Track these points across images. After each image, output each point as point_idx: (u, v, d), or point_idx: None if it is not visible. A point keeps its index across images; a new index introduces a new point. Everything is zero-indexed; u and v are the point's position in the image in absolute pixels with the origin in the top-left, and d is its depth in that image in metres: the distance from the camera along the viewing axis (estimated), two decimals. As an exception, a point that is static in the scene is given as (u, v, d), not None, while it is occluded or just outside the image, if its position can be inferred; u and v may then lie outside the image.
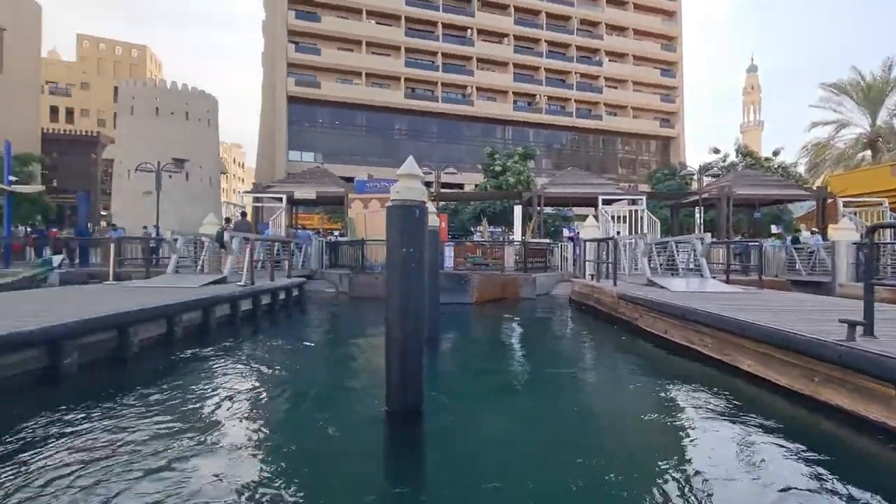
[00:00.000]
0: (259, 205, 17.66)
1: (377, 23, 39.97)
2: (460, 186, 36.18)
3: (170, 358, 6.17)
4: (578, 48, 45.67)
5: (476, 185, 31.98)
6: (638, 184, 35.94)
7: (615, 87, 47.16)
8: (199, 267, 11.33)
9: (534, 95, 44.82)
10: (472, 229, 24.91)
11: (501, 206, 25.55)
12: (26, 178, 23.16)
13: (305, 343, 8.15)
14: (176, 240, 10.81)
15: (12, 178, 16.92)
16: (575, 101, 45.37)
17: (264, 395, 4.95)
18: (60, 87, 48.49)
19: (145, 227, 18.26)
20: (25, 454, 3.28)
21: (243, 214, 14.25)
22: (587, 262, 11.91)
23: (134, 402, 4.40)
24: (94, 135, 37.97)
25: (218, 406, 4.37)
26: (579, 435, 3.89)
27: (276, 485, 2.89)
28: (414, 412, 3.81)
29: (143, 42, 59.57)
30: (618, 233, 14.97)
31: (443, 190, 23.33)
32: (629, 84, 47.13)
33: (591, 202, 19.54)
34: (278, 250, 12.62)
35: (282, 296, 10.73)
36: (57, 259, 13.22)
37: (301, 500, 2.74)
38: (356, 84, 39.14)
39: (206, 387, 5.06)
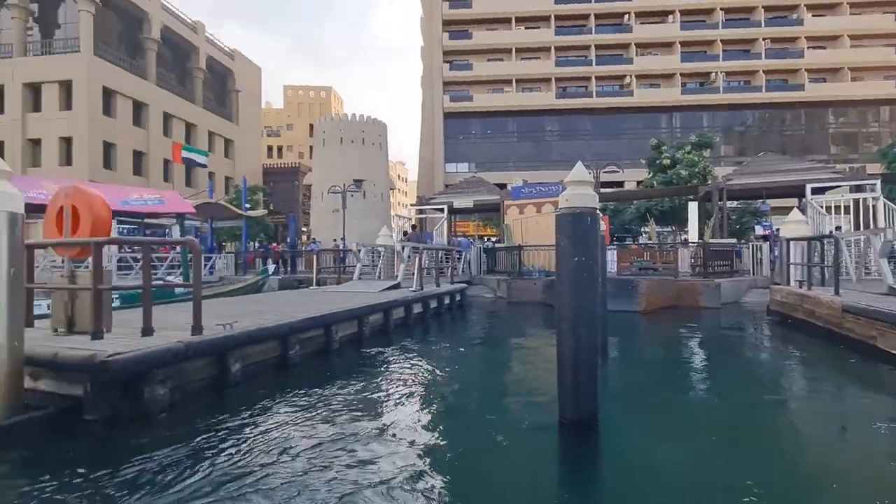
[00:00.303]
0: (423, 216, 19.24)
1: (526, 28, 40.10)
2: (620, 185, 33.74)
3: (360, 353, 7.18)
4: (767, 9, 38.41)
5: (639, 183, 29.38)
6: (863, 164, 28.35)
7: (822, 47, 38.25)
8: (377, 274, 12.91)
9: (707, 74, 39.27)
10: (642, 230, 22.88)
11: (670, 203, 22.95)
12: (254, 205, 29.58)
13: (470, 344, 8.59)
14: (360, 250, 12.51)
15: (247, 205, 21.85)
16: (764, 71, 38.20)
17: (437, 393, 5.37)
18: (273, 129, 60.90)
19: (335, 240, 21.61)
20: (263, 424, 4.21)
21: (413, 227, 15.68)
22: (792, 266, 9.87)
23: (337, 390, 5.25)
24: (296, 165, 46.46)
25: (398, 401, 4.93)
26: (785, 479, 3.23)
27: (447, 485, 3.10)
28: (588, 423, 3.69)
29: (328, 84, 70.42)
30: (837, 228, 12.09)
31: (602, 189, 22.04)
32: (844, 39, 37.68)
33: (793, 192, 16.18)
34: (442, 258, 13.57)
35: (446, 300, 11.51)
36: (271, 268, 16.43)
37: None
38: (507, 92, 39.86)
39: (390, 381, 5.75)
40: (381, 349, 7.35)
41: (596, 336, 3.65)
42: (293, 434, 4.01)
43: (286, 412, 4.53)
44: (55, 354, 3.89)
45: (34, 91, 27.01)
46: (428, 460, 3.43)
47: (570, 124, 40.27)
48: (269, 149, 59.09)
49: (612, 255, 12.63)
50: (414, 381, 5.76)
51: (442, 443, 3.82)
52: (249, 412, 4.46)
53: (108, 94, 27.77)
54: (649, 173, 25.65)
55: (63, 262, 4.93)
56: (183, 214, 15.21)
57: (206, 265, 18.89)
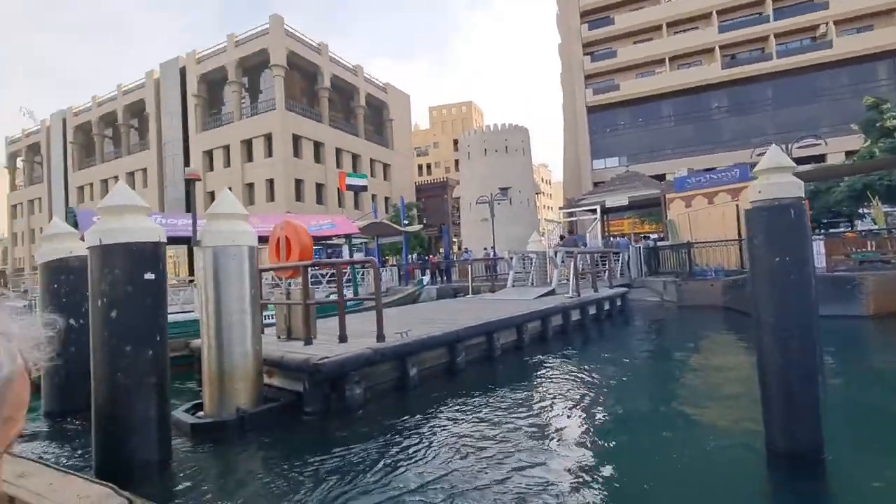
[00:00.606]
0: (573, 219, 18.57)
1: (677, -2, 35.89)
2: (820, 159, 27.54)
3: (522, 360, 7.23)
4: None
5: (850, 154, 23.54)
6: None
7: None
8: (529, 280, 12.87)
9: (948, -1, 29.62)
10: (863, 211, 18.25)
11: (901, 174, 17.78)
12: (411, 221, 32.41)
13: (637, 354, 7.93)
14: (511, 258, 12.66)
15: (406, 221, 24.05)
16: None
17: (605, 407, 5.06)
18: (422, 149, 66.07)
19: (485, 249, 22.28)
20: (438, 424, 4.53)
21: (570, 232, 15.23)
22: None
23: (503, 396, 5.37)
24: (445, 180, 49.46)
25: (564, 412, 4.81)
26: None
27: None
28: (809, 457, 3.07)
29: (468, 99, 73.44)
30: None
31: (799, 168, 18.20)
32: None
33: None
34: (597, 261, 12.88)
35: (606, 306, 10.86)
36: (426, 279, 17.47)
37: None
38: (659, 73, 36.13)
39: (554, 391, 5.65)
40: (541, 357, 7.29)
41: (813, 351, 3.03)
42: (465, 435, 4.26)
43: (458, 414, 4.82)
44: (282, 357, 4.83)
45: (247, 145, 34.25)
46: (601, 480, 3.28)
47: (742, 96, 34.46)
48: (420, 167, 64.19)
49: (818, 247, 10.35)
50: (578, 392, 5.57)
51: (613, 461, 3.60)
52: (426, 412, 4.87)
53: (296, 140, 33.64)
54: (865, 141, 20.36)
55: (281, 282, 6.12)
56: (350, 235, 17.56)
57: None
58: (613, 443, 3.94)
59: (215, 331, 4.35)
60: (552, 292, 10.74)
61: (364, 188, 27.37)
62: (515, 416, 4.67)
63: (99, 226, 3.34)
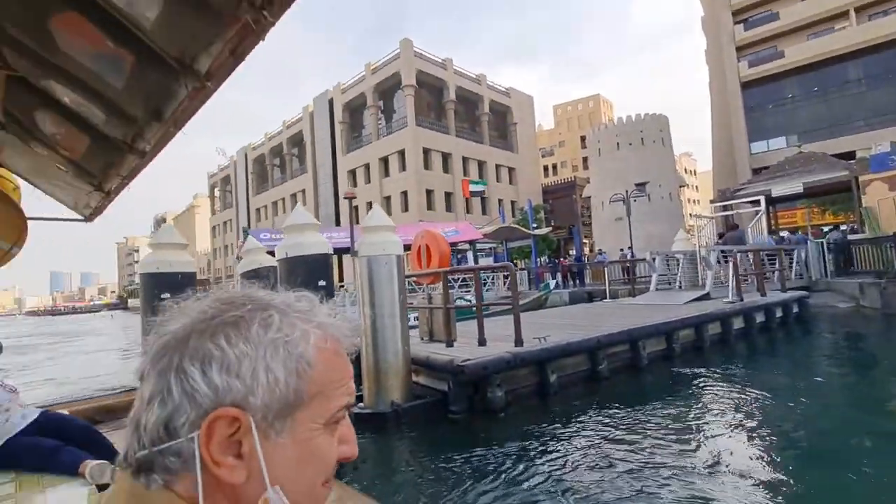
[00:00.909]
0: (728, 213, 16.29)
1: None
2: None
3: (672, 372, 6.58)
4: None
5: None
6: None
7: None
8: (677, 283, 11.65)
9: None
10: None
11: None
12: (539, 223, 31.90)
13: (826, 372, 6.62)
14: (654, 259, 11.62)
15: (534, 224, 23.80)
16: None
17: (784, 436, 4.28)
18: (547, 149, 64.57)
19: (622, 250, 20.82)
20: (579, 432, 4.37)
21: (735, 226, 13.43)
22: None
23: (649, 409, 4.96)
24: (572, 180, 47.58)
25: (723, 433, 4.23)
26: None
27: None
28: None
29: (594, 91, 69.63)
30: None
31: None
32: None
33: None
34: (764, 260, 11.09)
35: (778, 312, 9.28)
36: (552, 284, 16.72)
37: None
38: (839, 29, 29.77)
39: (710, 408, 5.02)
40: (695, 370, 6.54)
41: None
42: (606, 446, 4.07)
43: (599, 424, 4.62)
44: (427, 357, 5.19)
45: (384, 162, 37.53)
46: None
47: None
48: (545, 168, 62.84)
49: None
50: (746, 414, 4.85)
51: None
52: (567, 420, 4.76)
53: (426, 153, 35.78)
54: None
55: (418, 287, 6.57)
56: (474, 241, 18.00)
57: (504, 283, 21.49)
58: (798, 482, 3.36)
59: (372, 330, 4.86)
60: (706, 296, 9.58)
61: (483, 193, 28.02)
62: (666, 432, 4.29)
63: (285, 241, 4.02)
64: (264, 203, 51.30)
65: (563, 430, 4.53)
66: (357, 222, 12.17)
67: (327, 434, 0.43)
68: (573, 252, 30.43)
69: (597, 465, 3.73)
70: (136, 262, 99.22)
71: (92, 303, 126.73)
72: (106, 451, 2.49)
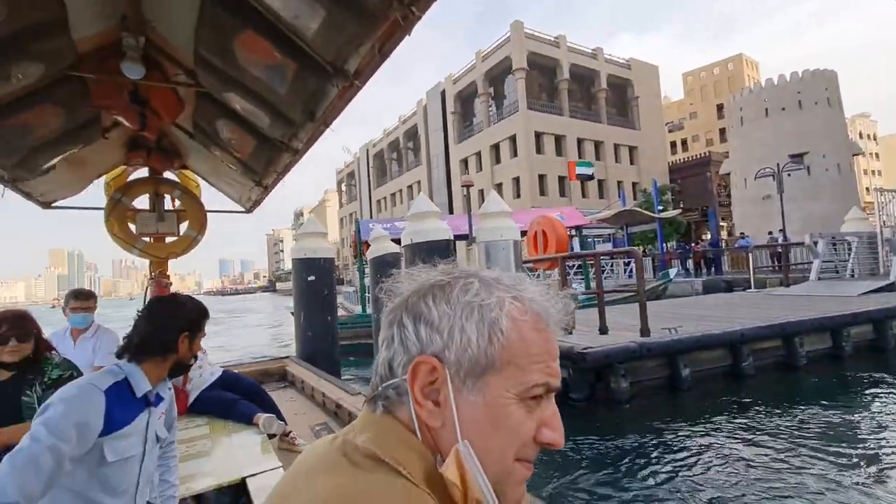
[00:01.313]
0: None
1: None
2: None
3: (840, 375, 5.58)
4: None
5: None
6: None
7: None
8: (847, 272, 9.75)
9: None
10: None
11: None
12: (665, 206, 29.10)
13: None
14: (815, 242, 9.86)
15: (660, 207, 21.74)
16: None
17: None
18: (675, 123, 58.15)
19: (770, 233, 17.99)
20: (712, 434, 3.94)
21: None
22: None
23: (805, 417, 4.29)
24: (706, 155, 42.27)
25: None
26: None
27: None
28: None
29: (735, 52, 60.71)
30: None
31: None
32: None
33: None
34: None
35: None
36: (673, 272, 14.81)
37: None
38: None
39: (886, 425, 4.12)
40: (873, 374, 5.45)
41: None
42: (745, 452, 3.63)
43: (738, 426, 4.14)
44: (545, 343, 5.12)
45: (495, 149, 37.45)
46: None
47: None
48: (673, 144, 56.77)
49: None
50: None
51: None
52: (699, 418, 4.34)
53: (538, 136, 34.81)
54: None
55: (530, 273, 6.47)
56: (580, 227, 17.06)
57: (625, 271, 20.10)
58: None
59: (489, 315, 4.95)
60: (890, 287, 7.87)
61: (591, 177, 26.32)
62: (822, 443, 3.67)
63: (409, 228, 4.29)
64: (383, 195, 54.95)
65: (693, 429, 4.15)
66: (470, 210, 12.38)
67: (522, 408, 0.44)
68: (707, 236, 27.26)
69: (731, 470, 3.36)
70: (282, 251, 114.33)
71: (249, 285, 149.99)
72: (269, 406, 2.95)
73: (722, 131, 44.51)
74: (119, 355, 1.26)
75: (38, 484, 0.95)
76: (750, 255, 11.89)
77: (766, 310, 6.68)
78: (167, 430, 1.35)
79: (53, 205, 3.15)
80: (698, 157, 45.43)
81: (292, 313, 5.26)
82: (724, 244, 21.70)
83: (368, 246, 6.47)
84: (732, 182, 30.56)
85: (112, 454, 1.11)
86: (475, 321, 0.44)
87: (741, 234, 20.19)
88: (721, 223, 35.98)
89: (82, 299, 2.61)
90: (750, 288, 11.17)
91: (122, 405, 1.14)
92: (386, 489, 0.39)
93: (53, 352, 1.91)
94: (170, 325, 1.28)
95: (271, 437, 2.62)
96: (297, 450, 2.58)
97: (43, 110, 2.00)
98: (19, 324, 1.72)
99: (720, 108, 43.24)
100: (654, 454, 3.77)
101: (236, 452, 2.34)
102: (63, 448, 0.99)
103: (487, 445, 0.42)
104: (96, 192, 3.32)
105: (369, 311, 10.71)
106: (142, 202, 3.22)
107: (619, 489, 3.27)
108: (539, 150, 35.13)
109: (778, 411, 4.44)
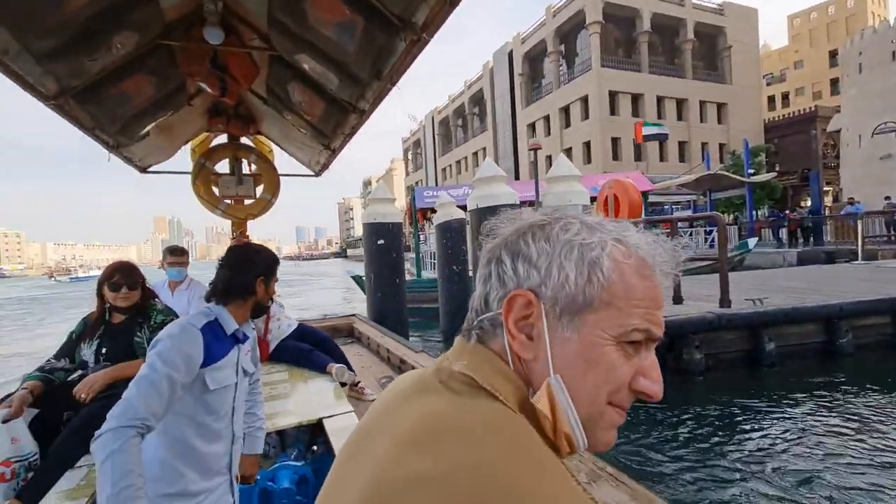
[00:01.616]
0: None
1: None
2: None
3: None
4: None
5: None
6: None
7: None
8: None
9: None
10: None
11: None
12: (758, 169, 26.29)
13: None
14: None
15: (751, 170, 19.68)
16: None
17: None
18: (775, 75, 51.42)
19: (888, 198, 15.67)
20: (796, 417, 3.61)
21: None
22: None
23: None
24: (811, 110, 37.20)
25: None
26: None
27: None
28: None
29: (858, -14, 51.82)
30: None
31: None
32: None
33: None
34: None
35: None
36: (752, 242, 13.32)
37: None
38: None
39: None
40: None
41: None
42: (834, 434, 3.31)
43: (829, 408, 3.78)
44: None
45: (565, 112, 35.64)
46: None
47: None
48: (771, 99, 50.45)
49: None
50: None
51: None
52: (783, 396, 4.02)
53: (612, 96, 32.54)
54: None
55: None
56: (646, 192, 16.01)
57: (706, 239, 18.64)
58: None
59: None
60: None
61: (665, 136, 24.20)
62: None
63: (475, 192, 4.26)
64: (449, 163, 54.86)
65: (776, 407, 3.86)
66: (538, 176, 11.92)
67: (619, 351, 0.42)
68: (807, 203, 24.42)
69: (818, 453, 3.10)
70: (352, 219, 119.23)
71: (323, 251, 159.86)
72: (340, 357, 3.16)
73: (833, 82, 38.99)
74: (207, 299, 1.41)
75: (160, 404, 1.11)
76: (859, 222, 10.46)
77: (871, 283, 5.92)
78: (253, 366, 1.50)
79: (149, 169, 3.50)
80: (802, 112, 40.24)
81: (353, 277, 5.51)
82: (827, 211, 19.30)
83: (424, 213, 6.55)
84: (842, 140, 26.79)
85: (212, 383, 1.27)
86: (574, 259, 0.43)
87: (850, 199, 17.76)
88: (826, 188, 31.96)
89: (177, 255, 2.94)
90: (856, 260, 9.92)
91: (216, 341, 1.29)
92: (487, 413, 0.40)
93: (156, 299, 2.17)
94: (247, 269, 1.40)
95: (342, 385, 2.82)
96: (367, 399, 2.75)
97: (138, 79, 2.19)
98: (129, 273, 1.97)
99: (833, 54, 37.58)
100: (728, 429, 3.58)
101: (312, 396, 2.55)
102: (175, 375, 1.15)
103: (580, 383, 0.42)
104: (183, 158, 3.64)
105: (426, 275, 10.94)
106: (222, 167, 3.48)
107: (688, 463, 3.15)
108: (613, 111, 32.92)
109: (877, 396, 3.99)
